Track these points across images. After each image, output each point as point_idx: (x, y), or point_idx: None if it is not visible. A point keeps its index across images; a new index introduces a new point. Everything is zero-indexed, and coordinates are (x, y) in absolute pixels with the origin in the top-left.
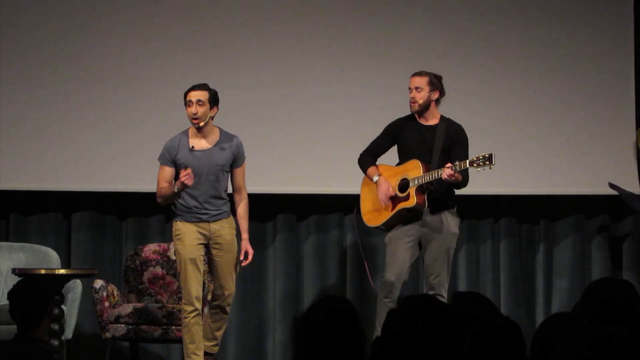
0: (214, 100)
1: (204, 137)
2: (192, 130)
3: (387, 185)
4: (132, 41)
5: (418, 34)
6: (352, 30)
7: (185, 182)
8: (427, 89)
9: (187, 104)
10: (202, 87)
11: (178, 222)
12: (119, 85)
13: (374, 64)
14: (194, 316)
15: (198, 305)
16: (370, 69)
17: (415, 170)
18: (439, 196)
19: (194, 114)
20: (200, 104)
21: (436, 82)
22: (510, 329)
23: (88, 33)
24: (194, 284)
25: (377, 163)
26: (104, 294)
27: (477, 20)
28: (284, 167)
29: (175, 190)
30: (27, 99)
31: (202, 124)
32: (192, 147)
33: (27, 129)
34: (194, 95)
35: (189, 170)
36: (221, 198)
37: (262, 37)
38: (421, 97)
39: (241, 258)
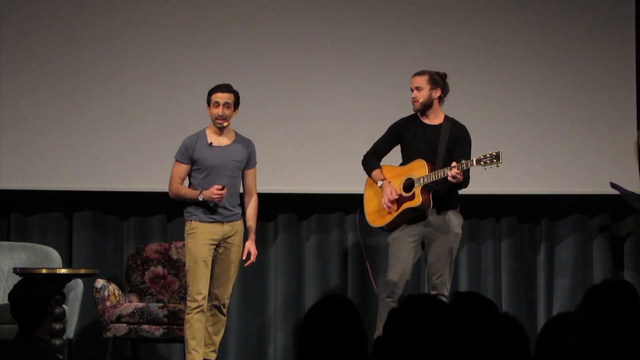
0: (237, 103)
1: (223, 135)
2: (210, 129)
3: (391, 189)
4: (133, 41)
5: (420, 34)
6: (353, 29)
7: (216, 199)
8: (427, 87)
9: (214, 104)
10: (229, 89)
11: (193, 221)
12: (121, 85)
13: (376, 64)
14: (197, 312)
15: (203, 302)
16: (372, 69)
17: (420, 170)
18: (443, 196)
19: (220, 116)
20: (227, 107)
21: (438, 80)
22: (513, 328)
23: (88, 33)
24: (202, 281)
25: (382, 163)
26: (105, 293)
27: (478, 21)
28: (285, 166)
29: (200, 199)
30: (28, 99)
31: (225, 124)
32: (211, 143)
33: (29, 128)
34: (222, 98)
35: (224, 191)
36: (236, 198)
37: (262, 36)
38: (422, 95)
39: (244, 257)
